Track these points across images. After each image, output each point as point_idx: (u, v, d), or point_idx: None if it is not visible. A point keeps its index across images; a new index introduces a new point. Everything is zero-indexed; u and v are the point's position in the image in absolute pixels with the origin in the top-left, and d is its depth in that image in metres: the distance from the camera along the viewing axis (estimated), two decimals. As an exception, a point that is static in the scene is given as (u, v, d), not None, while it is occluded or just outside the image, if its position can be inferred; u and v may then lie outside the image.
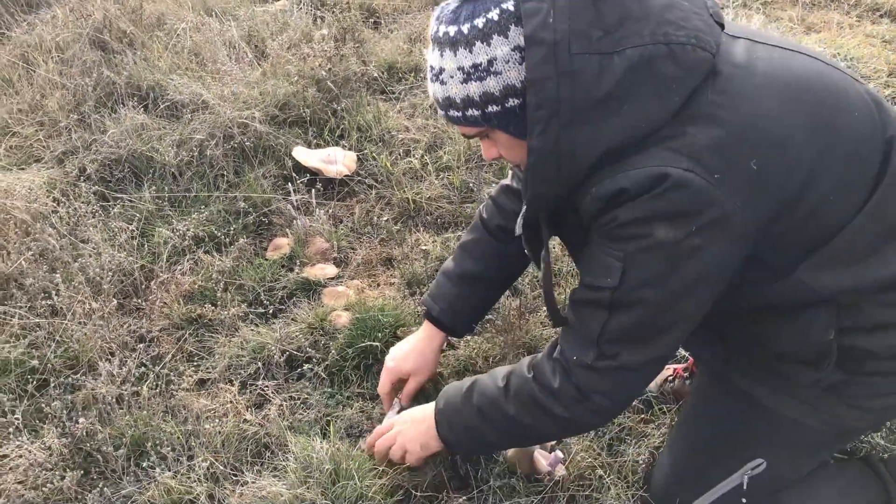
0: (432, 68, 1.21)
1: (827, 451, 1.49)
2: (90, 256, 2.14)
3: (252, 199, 2.44)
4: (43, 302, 2.00)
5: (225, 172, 2.54)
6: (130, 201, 2.43)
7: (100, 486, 1.60)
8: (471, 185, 2.49)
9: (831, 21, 3.39)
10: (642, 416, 1.76)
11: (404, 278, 2.18)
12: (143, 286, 2.15)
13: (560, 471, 1.59)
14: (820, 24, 3.41)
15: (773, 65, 1.17)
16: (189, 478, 1.59)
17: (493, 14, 1.11)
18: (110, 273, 2.09)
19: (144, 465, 1.64)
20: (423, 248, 2.27)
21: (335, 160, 2.56)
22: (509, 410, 1.36)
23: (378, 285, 2.19)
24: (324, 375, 1.86)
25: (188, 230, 2.26)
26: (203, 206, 2.43)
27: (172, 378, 1.87)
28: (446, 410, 1.48)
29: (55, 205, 2.37)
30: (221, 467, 1.62)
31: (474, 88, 1.16)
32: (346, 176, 2.56)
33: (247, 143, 2.58)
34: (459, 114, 1.20)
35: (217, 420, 1.73)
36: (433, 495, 1.57)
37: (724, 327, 1.40)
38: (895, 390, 1.31)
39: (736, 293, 1.26)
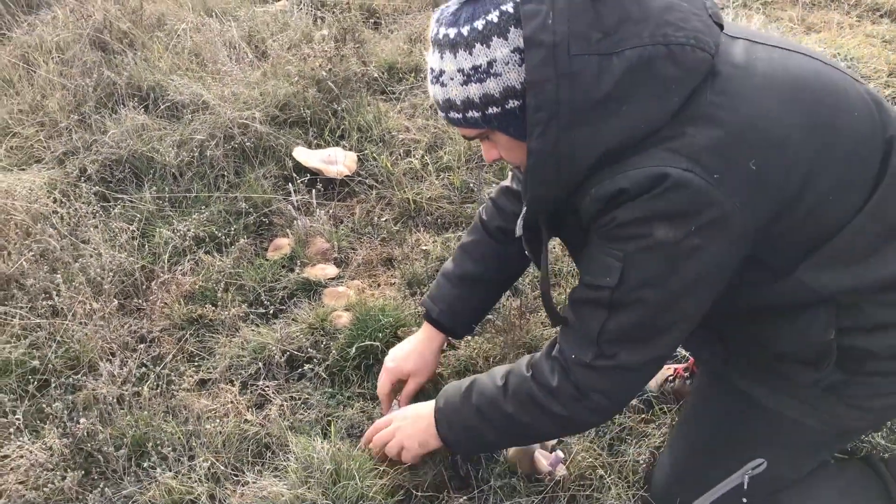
0: (432, 70, 1.21)
1: (827, 451, 1.50)
2: (91, 257, 2.14)
3: (252, 200, 2.44)
4: (44, 302, 2.01)
5: (225, 173, 2.55)
6: (131, 202, 2.43)
7: (101, 486, 1.61)
8: (471, 185, 2.49)
9: (831, 21, 3.39)
10: (643, 415, 1.76)
11: (405, 278, 2.18)
12: (144, 286, 2.15)
13: (561, 471, 1.59)
14: (820, 25, 3.41)
15: (772, 65, 1.17)
16: (190, 478, 1.59)
17: (493, 16, 1.12)
18: (111, 273, 2.09)
19: (145, 465, 1.64)
20: (424, 248, 2.28)
21: (335, 160, 2.56)
22: (508, 409, 1.36)
23: (378, 285, 2.19)
24: (324, 375, 1.87)
25: (189, 230, 2.26)
26: (203, 207, 2.43)
27: (173, 378, 1.87)
28: (446, 409, 1.48)
29: (56, 205, 2.37)
30: (222, 467, 1.62)
31: (474, 90, 1.16)
32: (346, 176, 2.56)
33: (247, 144, 2.58)
34: (460, 115, 1.21)
35: (218, 420, 1.73)
36: (434, 495, 1.57)
37: (723, 327, 1.40)
38: (895, 390, 1.31)
39: (736, 293, 1.26)
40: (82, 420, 1.66)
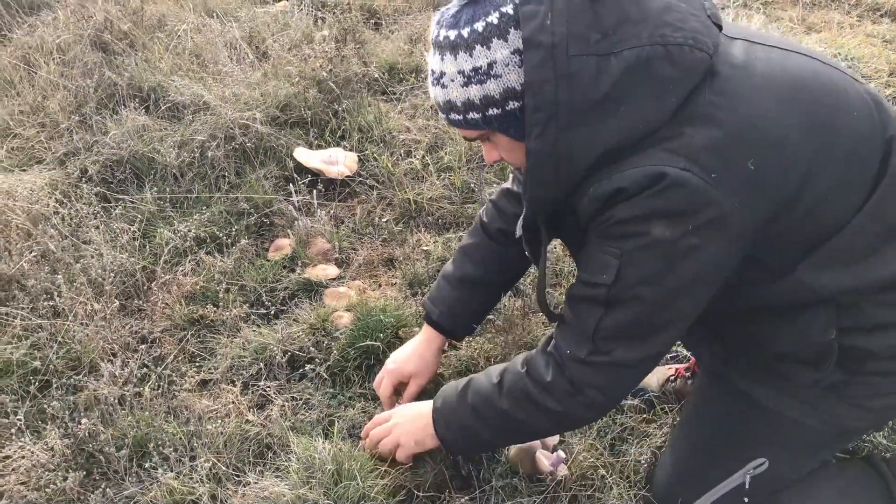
0: (433, 72, 1.21)
1: (828, 451, 1.50)
2: (92, 258, 2.15)
3: (253, 200, 2.44)
4: (45, 303, 2.01)
5: (226, 173, 2.55)
6: (132, 202, 2.44)
7: (102, 486, 1.61)
8: (472, 185, 2.49)
9: (832, 21, 3.39)
10: (644, 415, 1.76)
11: (406, 279, 2.18)
12: (145, 287, 2.15)
13: (562, 471, 1.59)
14: (820, 24, 3.41)
15: (770, 65, 1.17)
16: (191, 478, 1.59)
17: (493, 18, 1.12)
18: (112, 274, 2.09)
19: (147, 465, 1.64)
20: (425, 248, 2.28)
21: (336, 161, 2.56)
22: (503, 406, 1.36)
23: (379, 286, 2.19)
24: (326, 376, 1.87)
25: (190, 231, 2.27)
26: (204, 207, 2.43)
27: (174, 379, 1.87)
28: (443, 409, 1.48)
29: (57, 206, 2.37)
30: (224, 468, 1.62)
31: (475, 92, 1.16)
32: (347, 177, 2.56)
33: (248, 144, 2.59)
34: (460, 117, 1.21)
35: (219, 421, 1.73)
36: (435, 495, 1.57)
37: (724, 327, 1.40)
38: (895, 390, 1.31)
39: (735, 293, 1.26)
40: (84, 421, 1.66)
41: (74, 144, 2.64)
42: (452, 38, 1.15)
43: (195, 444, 1.67)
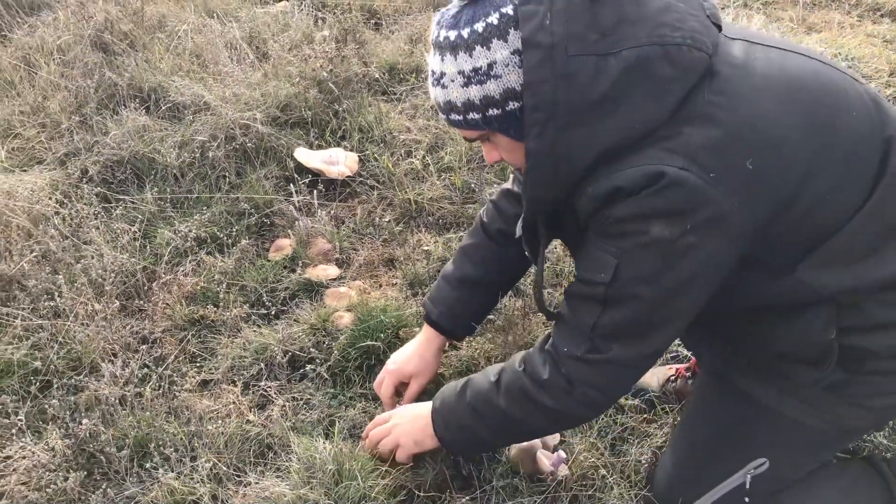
0: (433, 72, 1.21)
1: (828, 452, 1.50)
2: (92, 258, 2.15)
3: (254, 201, 2.44)
4: (45, 303, 2.01)
5: (227, 174, 2.55)
6: (132, 203, 2.44)
7: (103, 487, 1.61)
8: (472, 185, 2.49)
9: (832, 21, 3.39)
10: (645, 415, 1.76)
11: (406, 279, 2.18)
12: (146, 287, 2.15)
13: (563, 471, 1.59)
14: (821, 24, 3.41)
15: (770, 65, 1.17)
16: (192, 478, 1.59)
17: (493, 18, 1.12)
18: (113, 274, 2.09)
19: (148, 466, 1.64)
20: (425, 248, 2.28)
21: (337, 161, 2.56)
22: (500, 404, 1.36)
23: (380, 286, 2.19)
24: (326, 376, 1.87)
25: (190, 231, 2.27)
26: (205, 208, 2.43)
27: (175, 379, 1.87)
28: (442, 409, 1.48)
29: (57, 206, 2.37)
30: (224, 468, 1.62)
31: (475, 92, 1.16)
32: (347, 177, 2.56)
33: (248, 145, 2.59)
34: (460, 117, 1.21)
35: (220, 421, 1.73)
36: (436, 495, 1.57)
37: (724, 327, 1.40)
38: (895, 389, 1.31)
39: (736, 293, 1.27)
40: (84, 421, 1.66)
41: (75, 145, 2.64)
42: (452, 38, 1.15)
43: (196, 445, 1.67)
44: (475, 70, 1.14)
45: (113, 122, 2.72)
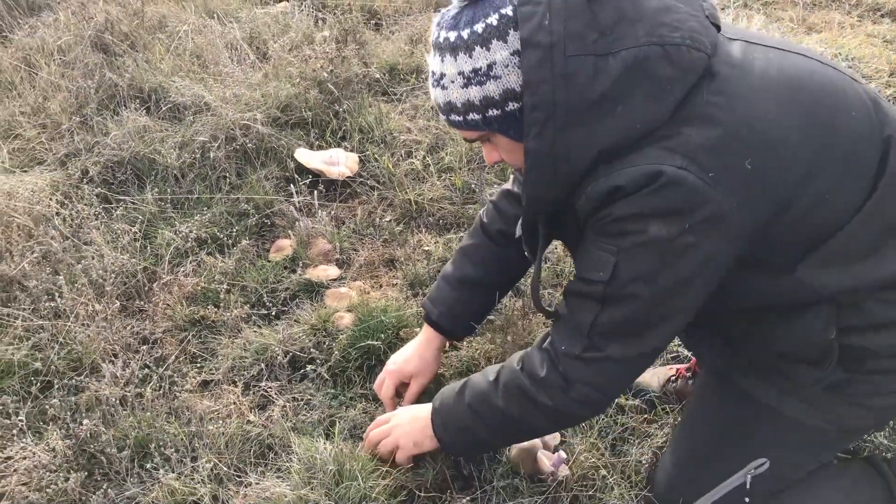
0: (433, 73, 1.22)
1: (829, 452, 1.50)
2: (93, 258, 2.15)
3: (254, 201, 2.44)
4: (46, 304, 2.01)
5: (227, 174, 2.55)
6: (133, 203, 2.44)
7: (104, 487, 1.61)
8: (473, 186, 2.49)
9: (832, 21, 3.40)
10: (645, 416, 1.76)
11: (407, 279, 2.18)
12: (146, 288, 2.15)
13: (563, 471, 1.59)
14: (821, 25, 3.41)
15: (769, 65, 1.18)
16: (193, 479, 1.59)
17: (493, 19, 1.12)
18: (113, 275, 2.09)
19: (148, 466, 1.64)
20: (426, 249, 2.28)
21: (337, 161, 2.56)
22: (498, 403, 1.36)
23: (380, 286, 2.19)
24: (327, 376, 1.87)
25: (191, 232, 2.27)
26: (205, 208, 2.44)
27: (176, 379, 1.87)
28: (441, 410, 1.48)
29: (58, 207, 2.37)
30: (225, 468, 1.62)
31: (475, 93, 1.16)
32: (348, 177, 2.56)
33: (249, 145, 2.59)
34: (460, 118, 1.21)
35: (220, 421, 1.73)
36: (437, 496, 1.57)
37: (725, 327, 1.40)
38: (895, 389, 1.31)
39: (736, 294, 1.27)
40: (85, 421, 1.66)
41: (75, 145, 2.65)
42: (452, 39, 1.16)
43: (196, 445, 1.67)
44: (475, 71, 1.15)
45: (113, 122, 2.72)
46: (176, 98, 2.81)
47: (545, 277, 2.14)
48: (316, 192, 2.45)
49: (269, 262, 2.27)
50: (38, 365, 1.87)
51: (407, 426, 1.55)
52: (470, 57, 1.14)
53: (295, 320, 2.04)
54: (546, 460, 1.60)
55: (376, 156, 2.63)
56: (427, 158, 2.59)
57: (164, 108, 2.80)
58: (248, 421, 1.75)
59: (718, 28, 1.18)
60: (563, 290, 1.31)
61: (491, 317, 1.95)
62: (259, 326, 2.03)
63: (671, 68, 1.10)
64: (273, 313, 2.07)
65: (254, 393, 1.85)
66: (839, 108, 1.19)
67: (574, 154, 1.14)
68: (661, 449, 1.67)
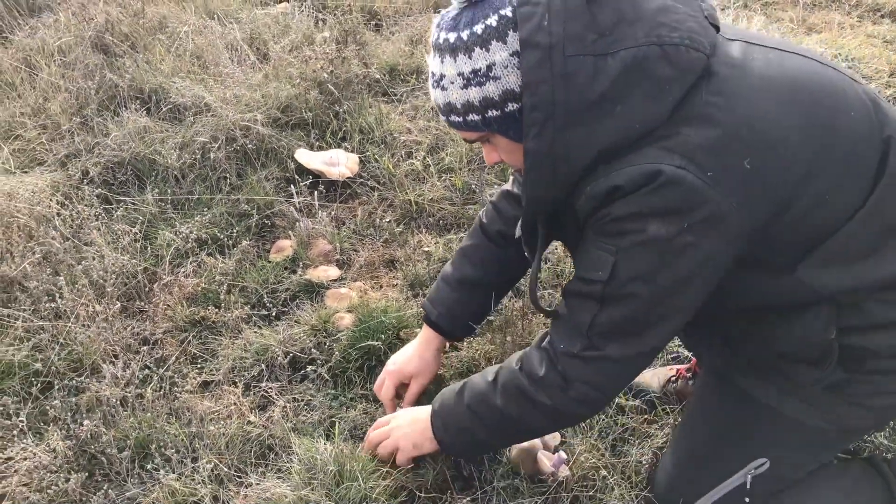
0: (433, 74, 1.22)
1: (829, 452, 1.50)
2: (93, 259, 2.15)
3: (255, 202, 2.44)
4: (46, 305, 2.01)
5: (227, 175, 2.55)
6: (133, 204, 2.44)
7: (104, 488, 1.61)
8: (473, 186, 2.49)
9: (832, 22, 3.40)
10: (645, 416, 1.77)
11: (407, 280, 2.18)
12: (147, 289, 2.15)
13: (563, 471, 1.59)
14: (821, 25, 3.41)
15: (769, 66, 1.18)
16: (193, 479, 1.59)
17: (492, 20, 1.12)
18: (113, 276, 2.10)
19: (149, 467, 1.65)
20: (426, 249, 2.28)
21: (337, 162, 2.56)
22: (497, 403, 1.36)
23: (381, 287, 2.20)
24: (327, 377, 1.87)
25: (191, 233, 2.27)
26: (206, 209, 2.44)
27: (176, 380, 1.88)
28: (441, 412, 1.48)
29: (58, 208, 2.37)
30: (226, 469, 1.62)
31: (474, 93, 1.17)
32: (348, 178, 2.57)
33: (249, 146, 2.59)
34: (460, 119, 1.21)
35: (221, 422, 1.74)
36: (437, 496, 1.57)
37: (725, 328, 1.40)
38: (895, 389, 1.31)
39: (736, 294, 1.27)
40: (86, 422, 1.66)
41: (76, 146, 2.65)
42: (452, 40, 1.16)
43: (197, 446, 1.67)
44: (474, 72, 1.15)
45: (114, 123, 2.72)
46: (176, 99, 2.81)
47: (546, 278, 2.14)
48: (316, 192, 2.45)
49: (269, 262, 2.27)
50: (38, 366, 1.87)
51: (406, 428, 1.55)
52: (469, 58, 1.14)
53: (295, 321, 2.04)
54: (546, 461, 1.60)
55: (376, 156, 2.63)
56: (427, 159, 2.59)
57: (164, 109, 2.80)
58: (249, 421, 1.75)
59: (717, 29, 1.19)
60: (563, 289, 1.31)
61: (491, 317, 1.95)
62: (259, 327, 2.03)
63: (670, 68, 1.10)
64: (273, 314, 2.07)
65: (254, 393, 1.85)
66: (839, 108, 1.19)
67: (573, 154, 1.14)
68: (661, 449, 1.67)
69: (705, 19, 1.16)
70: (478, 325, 1.76)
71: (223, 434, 1.69)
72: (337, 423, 1.73)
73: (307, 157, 2.58)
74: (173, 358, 1.94)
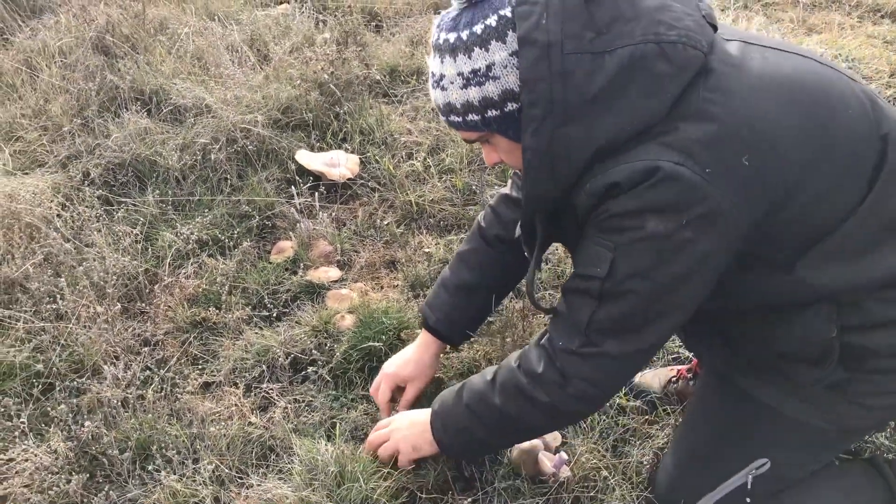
0: (433, 74, 1.22)
1: (830, 452, 1.49)
2: (94, 260, 2.15)
3: (255, 203, 2.45)
4: (48, 306, 2.01)
5: (228, 176, 2.55)
6: (134, 205, 2.44)
7: (105, 489, 1.61)
8: (473, 187, 2.49)
9: (832, 22, 3.40)
10: (646, 417, 1.77)
11: (408, 281, 2.18)
12: (148, 290, 2.16)
13: (564, 472, 1.59)
14: (821, 26, 3.41)
15: (767, 65, 1.18)
16: (194, 481, 1.59)
17: (491, 20, 1.13)
18: (115, 277, 2.10)
19: (150, 468, 1.65)
20: (426, 250, 2.28)
21: (338, 163, 2.57)
22: (496, 402, 1.36)
23: (381, 288, 2.20)
24: (328, 378, 1.87)
25: (192, 234, 2.27)
26: (207, 210, 2.44)
27: (177, 381, 1.88)
28: (440, 412, 1.48)
29: (59, 209, 2.38)
30: (227, 470, 1.63)
31: (474, 93, 1.17)
32: (348, 179, 2.57)
33: (250, 147, 2.59)
34: (460, 119, 1.22)
35: (222, 423, 1.74)
36: (438, 497, 1.57)
37: (724, 327, 1.40)
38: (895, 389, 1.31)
39: (735, 293, 1.27)
40: (87, 423, 1.66)
41: (76, 148, 2.65)
42: (452, 40, 1.16)
43: (198, 447, 1.68)
44: (474, 72, 1.15)
45: (114, 124, 2.73)
46: (177, 100, 2.82)
47: (546, 279, 2.14)
48: (317, 193, 2.45)
49: (270, 263, 2.27)
50: (39, 367, 1.87)
51: (406, 430, 1.55)
52: (469, 58, 1.15)
53: (296, 322, 2.04)
54: (547, 461, 1.60)
55: (377, 157, 2.63)
56: (428, 160, 2.59)
57: (165, 111, 2.81)
58: (250, 422, 1.75)
59: (715, 28, 1.19)
60: (561, 287, 1.31)
61: (491, 318, 1.95)
62: (260, 328, 2.03)
63: (667, 65, 1.10)
64: (274, 315, 2.07)
65: (255, 394, 1.85)
66: (837, 107, 1.19)
67: (572, 151, 1.14)
68: (662, 450, 1.67)
69: (703, 18, 1.16)
70: (476, 329, 1.75)
71: (224, 435, 1.69)
72: (338, 424, 1.73)
73: (308, 159, 2.58)
74: (174, 359, 1.94)
